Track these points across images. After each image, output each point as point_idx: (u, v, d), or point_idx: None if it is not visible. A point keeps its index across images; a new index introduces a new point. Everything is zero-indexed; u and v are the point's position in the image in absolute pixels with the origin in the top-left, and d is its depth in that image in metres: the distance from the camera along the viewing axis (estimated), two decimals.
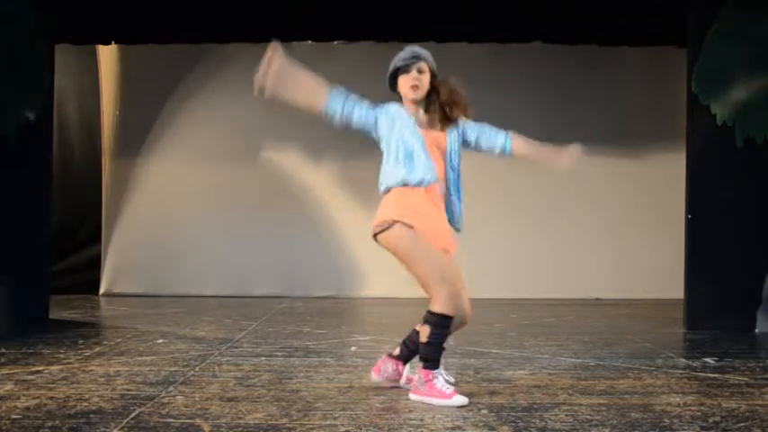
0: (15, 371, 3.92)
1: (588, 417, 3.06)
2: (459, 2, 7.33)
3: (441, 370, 3.36)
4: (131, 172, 8.80)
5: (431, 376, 3.31)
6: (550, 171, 3.37)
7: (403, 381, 3.56)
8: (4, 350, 4.52)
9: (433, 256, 3.27)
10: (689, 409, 3.20)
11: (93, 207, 8.78)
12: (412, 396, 3.36)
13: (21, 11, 5.74)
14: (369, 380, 3.65)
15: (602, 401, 3.34)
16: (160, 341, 5.08)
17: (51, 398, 3.31)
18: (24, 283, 5.72)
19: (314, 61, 9.86)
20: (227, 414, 3.05)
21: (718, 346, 5.07)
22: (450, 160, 3.45)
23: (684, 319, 6.00)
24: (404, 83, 3.43)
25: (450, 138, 3.45)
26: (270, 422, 2.93)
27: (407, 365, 3.60)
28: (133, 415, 3.02)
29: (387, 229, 3.30)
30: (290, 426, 2.88)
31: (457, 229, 3.51)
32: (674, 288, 6.47)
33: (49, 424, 2.86)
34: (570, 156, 3.49)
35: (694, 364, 4.34)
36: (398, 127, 3.36)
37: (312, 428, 2.85)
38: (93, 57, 8.74)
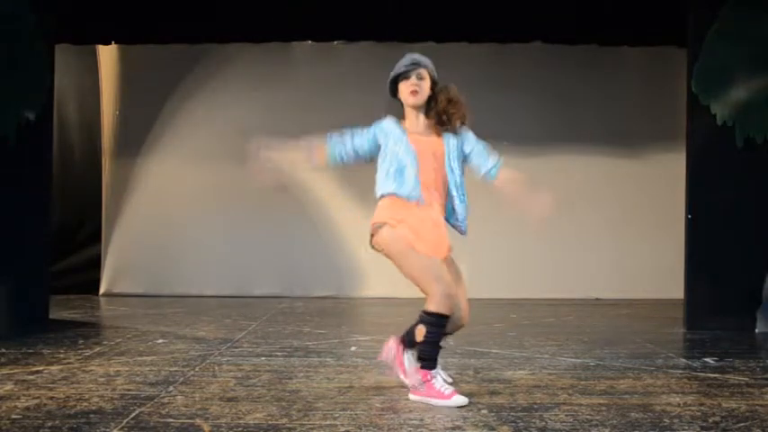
0: (15, 371, 3.92)
1: (588, 417, 3.06)
2: (459, 2, 7.33)
3: (439, 369, 3.37)
4: (131, 172, 8.79)
5: (429, 376, 3.31)
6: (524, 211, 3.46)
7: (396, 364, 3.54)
8: (4, 350, 4.52)
9: (425, 257, 3.29)
10: (689, 409, 3.20)
11: (93, 207, 8.77)
12: (411, 396, 3.36)
13: (21, 11, 5.74)
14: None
15: (602, 401, 3.35)
16: (160, 341, 5.08)
17: (51, 398, 3.31)
18: (24, 283, 5.72)
19: (314, 61, 9.83)
20: (227, 414, 3.05)
21: (718, 346, 5.07)
22: (450, 163, 3.47)
23: (684, 319, 6.00)
24: (404, 88, 3.49)
25: (448, 142, 3.49)
26: (270, 422, 2.93)
27: (407, 353, 3.56)
28: (133, 415, 3.02)
29: (378, 231, 3.38)
30: (290, 426, 2.89)
31: (461, 232, 3.53)
32: (674, 288, 6.47)
33: (49, 424, 2.87)
34: (542, 208, 3.51)
35: (694, 364, 4.34)
36: (391, 143, 3.45)
37: (312, 428, 2.85)
38: (93, 57, 8.73)
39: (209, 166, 8.63)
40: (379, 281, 8.30)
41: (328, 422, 2.94)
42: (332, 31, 7.91)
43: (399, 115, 3.55)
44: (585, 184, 8.67)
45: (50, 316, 6.27)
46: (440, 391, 3.27)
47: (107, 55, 8.77)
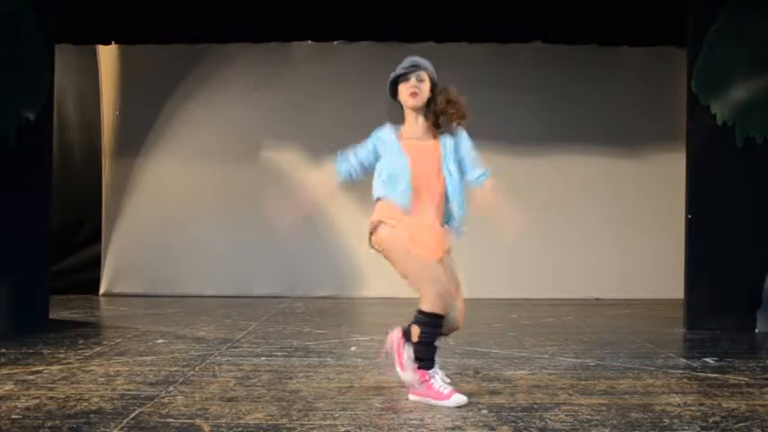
0: (15, 371, 3.92)
1: (588, 417, 3.06)
2: (459, 2, 7.33)
3: (437, 369, 3.37)
4: (131, 172, 8.79)
5: (427, 376, 3.32)
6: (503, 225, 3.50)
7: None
8: (4, 350, 4.52)
9: (420, 258, 3.31)
10: (689, 409, 3.20)
11: (93, 207, 8.77)
12: (411, 396, 3.36)
13: (21, 11, 5.74)
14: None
15: (602, 401, 3.35)
16: (160, 341, 5.08)
17: (51, 398, 3.31)
18: (24, 284, 5.71)
19: (314, 61, 9.84)
20: (227, 414, 3.05)
21: (718, 346, 5.07)
22: (447, 166, 3.48)
23: (684, 319, 6.00)
24: (403, 90, 3.50)
25: (444, 144, 3.50)
26: (270, 422, 2.94)
27: (407, 346, 3.55)
28: (133, 415, 3.02)
29: (376, 230, 3.41)
30: (290, 426, 2.89)
31: (456, 236, 3.53)
32: (674, 288, 6.47)
33: (49, 424, 2.87)
34: (513, 227, 3.52)
35: (694, 364, 4.34)
36: (386, 151, 3.48)
37: (312, 428, 2.85)
38: (93, 57, 8.73)
39: (209, 166, 8.64)
40: (378, 281, 8.30)
41: (328, 422, 2.94)
42: (332, 31, 7.92)
43: (399, 117, 3.56)
44: (585, 184, 8.68)
45: (50, 316, 6.26)
46: (439, 390, 3.28)
47: (107, 55, 8.77)
